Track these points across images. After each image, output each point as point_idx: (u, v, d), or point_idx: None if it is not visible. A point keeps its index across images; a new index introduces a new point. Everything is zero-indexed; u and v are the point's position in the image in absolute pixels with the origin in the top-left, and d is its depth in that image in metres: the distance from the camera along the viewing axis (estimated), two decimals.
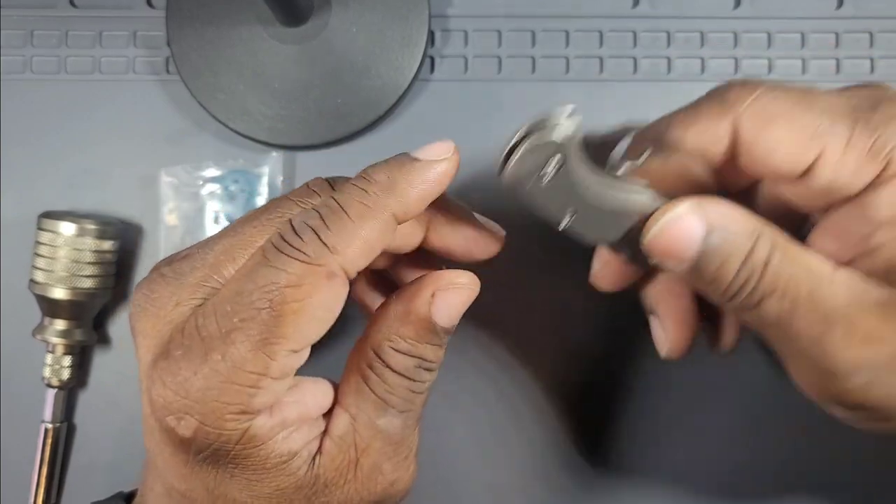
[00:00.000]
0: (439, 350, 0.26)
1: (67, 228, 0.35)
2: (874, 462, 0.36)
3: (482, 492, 0.37)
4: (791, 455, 0.37)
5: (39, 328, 0.36)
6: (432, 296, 0.25)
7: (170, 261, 0.26)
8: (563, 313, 0.37)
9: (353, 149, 0.38)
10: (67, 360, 0.36)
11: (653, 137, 0.26)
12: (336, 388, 0.27)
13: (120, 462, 0.37)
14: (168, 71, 0.38)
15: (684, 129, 0.25)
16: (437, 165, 0.25)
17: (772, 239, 0.24)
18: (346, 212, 0.24)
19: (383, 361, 0.25)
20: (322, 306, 0.23)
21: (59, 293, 0.35)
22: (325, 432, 0.26)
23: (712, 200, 0.25)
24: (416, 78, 0.37)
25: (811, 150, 0.24)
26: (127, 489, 0.30)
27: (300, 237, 0.24)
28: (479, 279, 0.26)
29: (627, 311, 0.34)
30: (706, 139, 0.25)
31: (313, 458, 0.25)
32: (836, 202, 0.25)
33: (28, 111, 0.38)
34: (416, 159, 0.25)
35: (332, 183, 0.27)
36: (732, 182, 0.27)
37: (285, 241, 0.24)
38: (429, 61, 0.38)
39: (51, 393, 0.36)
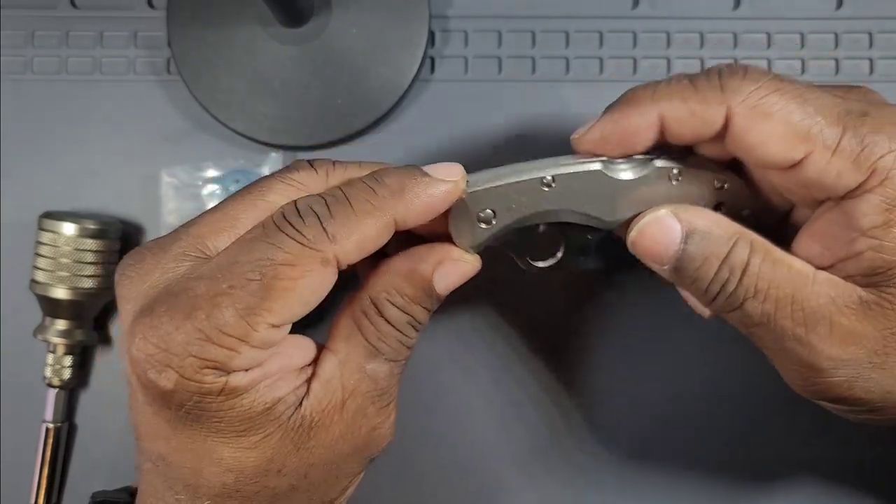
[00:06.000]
0: (427, 313, 0.28)
1: (68, 228, 0.35)
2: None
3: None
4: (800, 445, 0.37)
5: (40, 328, 0.36)
6: (439, 262, 0.27)
7: (156, 239, 0.27)
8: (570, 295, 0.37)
9: (353, 149, 0.38)
10: (68, 360, 0.36)
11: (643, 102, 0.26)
12: (317, 345, 0.27)
13: (121, 462, 0.37)
14: (168, 71, 0.38)
15: (681, 102, 0.26)
16: (445, 185, 0.26)
17: (750, 242, 0.25)
18: (351, 205, 0.25)
19: (378, 311, 0.27)
20: (310, 289, 0.24)
21: (60, 293, 0.35)
22: (312, 376, 0.26)
23: (690, 207, 0.26)
24: (417, 78, 0.38)
25: (799, 151, 0.24)
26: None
27: (302, 219, 0.24)
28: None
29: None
30: (697, 121, 0.26)
31: (300, 402, 0.26)
32: (819, 198, 0.26)
33: (28, 111, 0.38)
34: (426, 174, 0.26)
35: (313, 164, 0.28)
36: (717, 154, 0.28)
37: (287, 220, 0.25)
38: (429, 62, 0.38)
39: (52, 393, 0.36)
